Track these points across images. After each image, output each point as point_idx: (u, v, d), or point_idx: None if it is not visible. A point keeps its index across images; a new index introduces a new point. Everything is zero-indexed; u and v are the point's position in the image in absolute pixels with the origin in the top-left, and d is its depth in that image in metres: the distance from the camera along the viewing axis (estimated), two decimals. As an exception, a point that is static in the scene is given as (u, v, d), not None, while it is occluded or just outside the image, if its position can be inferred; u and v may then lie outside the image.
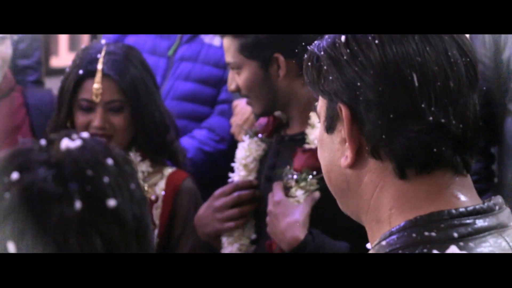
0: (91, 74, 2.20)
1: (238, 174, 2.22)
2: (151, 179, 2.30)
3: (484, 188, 2.47)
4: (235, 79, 2.14)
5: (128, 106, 2.23)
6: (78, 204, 0.90)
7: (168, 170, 2.31)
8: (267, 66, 2.09)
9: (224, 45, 2.15)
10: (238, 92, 2.17)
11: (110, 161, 0.96)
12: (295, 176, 2.02)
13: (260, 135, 2.22)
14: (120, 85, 2.21)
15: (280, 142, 2.19)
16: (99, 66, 2.20)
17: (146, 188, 2.27)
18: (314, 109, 2.06)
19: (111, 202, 0.92)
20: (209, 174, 2.69)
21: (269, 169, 2.18)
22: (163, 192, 2.28)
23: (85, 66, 2.21)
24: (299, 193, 2.02)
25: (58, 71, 5.11)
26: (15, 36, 3.34)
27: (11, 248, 0.90)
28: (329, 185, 1.22)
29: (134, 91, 2.22)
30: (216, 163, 2.80)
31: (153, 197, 2.27)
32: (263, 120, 2.25)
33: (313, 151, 2.02)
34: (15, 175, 0.92)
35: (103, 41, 2.28)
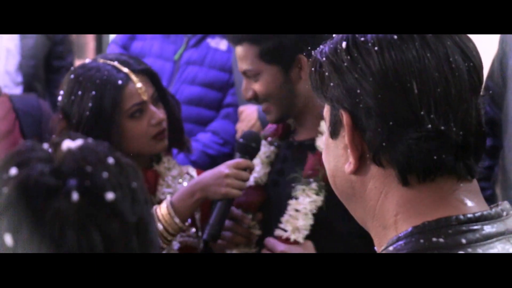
0: (126, 80, 2.11)
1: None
2: (183, 182, 2.25)
3: (485, 187, 2.45)
4: (251, 86, 2.09)
5: (158, 98, 2.20)
6: (75, 197, 0.90)
7: (190, 169, 2.29)
8: (288, 70, 2.06)
9: (239, 53, 2.09)
10: (254, 99, 2.12)
11: (111, 160, 0.95)
12: (311, 183, 2.01)
13: (269, 139, 2.20)
14: (150, 79, 2.17)
15: (289, 147, 2.16)
16: (125, 69, 2.13)
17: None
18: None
19: (109, 195, 0.91)
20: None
21: (276, 174, 2.16)
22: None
23: (114, 78, 2.11)
24: (306, 200, 2.01)
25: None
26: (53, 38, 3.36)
27: (8, 241, 0.89)
28: (335, 189, 1.21)
29: (160, 81, 2.21)
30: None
31: None
32: (271, 126, 2.22)
33: None
34: (13, 171, 0.92)
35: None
